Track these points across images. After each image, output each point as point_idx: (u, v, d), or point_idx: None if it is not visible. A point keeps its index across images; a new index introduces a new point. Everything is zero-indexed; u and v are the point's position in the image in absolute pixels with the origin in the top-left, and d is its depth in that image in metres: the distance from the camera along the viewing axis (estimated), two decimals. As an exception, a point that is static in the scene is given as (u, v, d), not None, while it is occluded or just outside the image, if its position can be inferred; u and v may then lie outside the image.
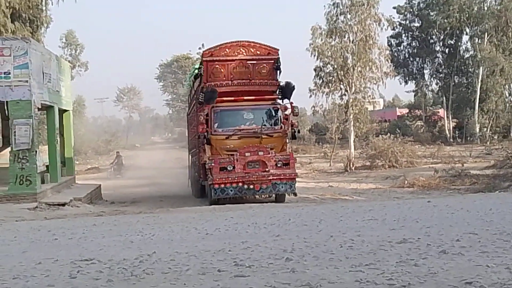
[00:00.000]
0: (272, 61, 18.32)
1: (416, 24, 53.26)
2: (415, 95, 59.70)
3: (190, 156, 23.77)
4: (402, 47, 54.49)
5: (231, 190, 16.89)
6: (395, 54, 51.53)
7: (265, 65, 18.26)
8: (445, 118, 52.44)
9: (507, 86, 49.49)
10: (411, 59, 54.49)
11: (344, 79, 33.62)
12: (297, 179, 17.86)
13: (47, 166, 19.49)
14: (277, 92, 18.33)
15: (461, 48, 51.90)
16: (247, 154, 17.01)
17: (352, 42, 33.91)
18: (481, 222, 8.52)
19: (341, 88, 34.19)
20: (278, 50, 18.47)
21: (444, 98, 52.47)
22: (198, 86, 19.67)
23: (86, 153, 49.16)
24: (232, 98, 17.76)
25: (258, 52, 18.30)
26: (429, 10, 51.27)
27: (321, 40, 34.54)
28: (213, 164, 16.94)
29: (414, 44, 54.08)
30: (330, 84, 34.43)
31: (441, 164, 29.21)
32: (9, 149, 17.47)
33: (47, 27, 30.57)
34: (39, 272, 6.13)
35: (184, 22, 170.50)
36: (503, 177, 21.97)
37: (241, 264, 6.01)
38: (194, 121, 20.13)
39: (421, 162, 32.02)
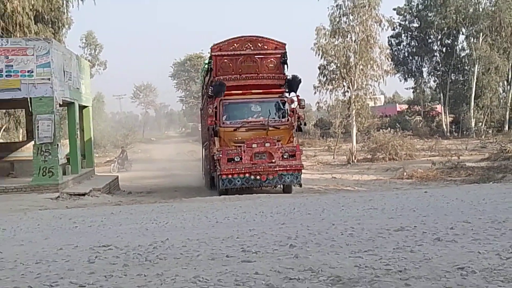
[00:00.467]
0: (279, 55, 18.00)
1: (415, 25, 53.03)
2: (414, 92, 59.59)
3: (203, 149, 23.69)
4: (401, 46, 54.30)
5: (238, 181, 16.63)
6: (395, 53, 51.39)
7: (272, 59, 17.98)
8: (443, 113, 52.28)
9: (501, 83, 49.28)
10: (410, 57, 54.29)
11: (346, 77, 33.55)
12: (302, 171, 17.48)
13: (68, 159, 19.59)
14: (284, 85, 17.99)
15: (457, 47, 51.70)
16: (253, 145, 16.72)
17: (354, 42, 33.83)
18: (474, 211, 8.50)
19: (344, 85, 34.15)
20: (285, 44, 18.18)
21: (442, 94, 52.27)
22: (208, 80, 19.46)
23: (105, 147, 49.28)
24: (241, 92, 17.51)
25: (266, 47, 18.01)
26: (427, 11, 51.02)
27: (325, 40, 34.53)
28: (221, 155, 16.70)
29: (413, 43, 53.86)
30: (333, 82, 34.39)
31: (439, 157, 29.11)
32: (32, 142, 17.59)
33: (69, 28, 30.59)
34: (60, 257, 6.17)
35: (197, 22, 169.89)
36: (497, 169, 21.92)
37: (248, 250, 6.02)
38: (206, 115, 20.05)
39: (419, 155, 31.95)
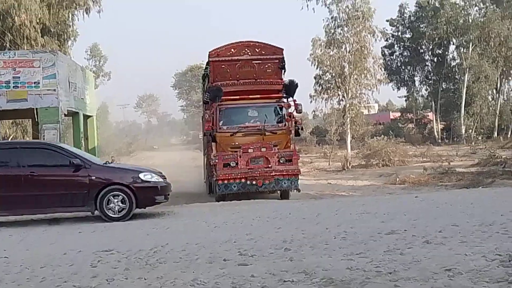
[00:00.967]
0: (277, 61, 17.26)
1: (407, 35, 53.11)
2: (406, 100, 59.64)
3: (204, 156, 23.23)
4: (394, 56, 54.30)
5: (235, 186, 15.90)
6: (388, 62, 51.43)
7: (270, 64, 17.24)
8: (434, 120, 52.32)
9: (490, 91, 49.34)
10: (403, 67, 54.34)
11: (341, 86, 33.53)
12: (299, 176, 16.78)
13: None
14: (282, 90, 17.22)
15: (448, 57, 51.75)
16: (250, 150, 16.02)
17: (349, 52, 33.81)
18: (463, 215, 8.52)
19: (339, 94, 34.09)
20: (282, 49, 17.45)
21: (433, 102, 52.30)
22: (206, 86, 18.90)
23: (109, 154, 49.21)
24: (238, 97, 16.86)
25: (263, 52, 17.29)
26: (419, 23, 51.18)
27: (321, 50, 34.49)
28: (217, 161, 16.04)
29: (405, 53, 53.90)
30: (329, 91, 34.35)
31: (430, 162, 29.06)
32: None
33: (74, 41, 30.70)
34: (65, 261, 6.20)
35: (197, 33, 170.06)
36: (487, 174, 21.89)
37: (245, 253, 6.05)
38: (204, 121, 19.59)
39: (412, 161, 31.89)
